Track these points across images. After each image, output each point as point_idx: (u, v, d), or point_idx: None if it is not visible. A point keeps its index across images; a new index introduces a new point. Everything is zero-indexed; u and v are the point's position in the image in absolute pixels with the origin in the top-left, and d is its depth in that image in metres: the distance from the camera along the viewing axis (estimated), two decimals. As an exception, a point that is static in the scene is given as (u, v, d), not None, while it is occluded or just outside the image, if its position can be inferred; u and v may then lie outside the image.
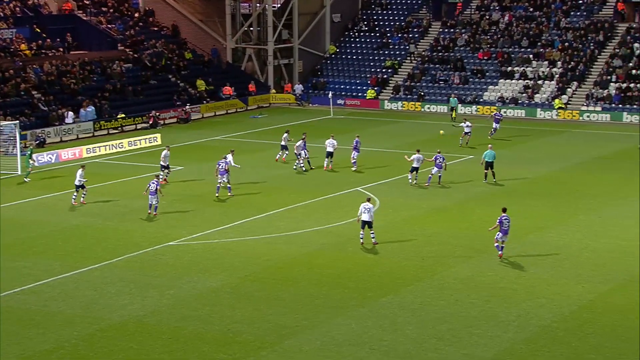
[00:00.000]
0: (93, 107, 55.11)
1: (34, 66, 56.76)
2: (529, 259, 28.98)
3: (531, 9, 68.55)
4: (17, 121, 46.47)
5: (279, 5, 70.87)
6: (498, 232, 28.69)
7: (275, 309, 24.88)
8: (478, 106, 61.51)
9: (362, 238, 30.40)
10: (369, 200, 30.76)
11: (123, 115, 56.21)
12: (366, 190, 39.03)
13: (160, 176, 39.12)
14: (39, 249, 30.78)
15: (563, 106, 59.90)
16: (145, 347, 22.53)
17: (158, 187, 34.31)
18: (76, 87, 57.00)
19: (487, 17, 69.13)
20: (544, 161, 44.77)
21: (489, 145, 40.92)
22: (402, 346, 22.42)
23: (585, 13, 66.80)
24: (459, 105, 60.01)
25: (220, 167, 37.31)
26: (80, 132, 53.30)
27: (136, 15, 68.49)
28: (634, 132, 51.62)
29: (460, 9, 70.82)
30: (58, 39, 60.58)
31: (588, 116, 58.44)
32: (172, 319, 24.20)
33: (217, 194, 37.36)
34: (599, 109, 58.96)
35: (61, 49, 60.36)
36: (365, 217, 29.99)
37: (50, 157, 45.62)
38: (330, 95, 63.52)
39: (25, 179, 41.14)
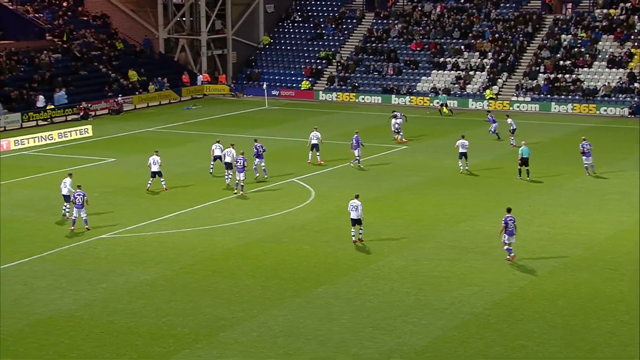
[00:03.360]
0: (64, 92, 55.51)
1: (-41, 56, 55.23)
2: (462, 248, 29.39)
3: (462, 1, 69.43)
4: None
5: (212, -5, 70.31)
6: (504, 234, 27.82)
7: (210, 301, 24.72)
8: (412, 97, 62.09)
9: (353, 236, 29.65)
10: (357, 197, 29.76)
11: (52, 107, 55.05)
12: (301, 181, 39.05)
13: (163, 182, 36.71)
14: (-34, 244, 29.97)
15: (494, 97, 60.87)
16: (77, 341, 22.15)
17: (85, 198, 31.18)
18: (2, 78, 55.57)
19: (420, 8, 69.76)
20: (476, 151, 45.43)
21: (523, 142, 39.80)
22: (338, 335, 22.51)
23: (514, 5, 67.97)
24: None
25: (238, 163, 35.91)
26: (7, 124, 52.02)
27: (64, 4, 67.08)
28: (562, 122, 52.78)
29: (393, 0, 71.34)
30: (-17, 29, 59.06)
31: (518, 106, 59.52)
32: (105, 313, 23.84)
33: (235, 191, 36.23)
34: (528, 99, 60.11)
35: (-13, 39, 58.84)
36: (353, 215, 29.30)
37: (-24, 150, 44.41)
38: (264, 86, 63.31)
39: None
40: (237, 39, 69.97)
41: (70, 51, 61.41)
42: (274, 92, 64.86)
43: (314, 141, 41.69)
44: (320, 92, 65.05)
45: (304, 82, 66.25)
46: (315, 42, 70.14)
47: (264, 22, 71.65)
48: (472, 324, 23.21)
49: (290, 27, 72.34)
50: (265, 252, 29.29)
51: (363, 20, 70.99)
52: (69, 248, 29.41)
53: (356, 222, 29.51)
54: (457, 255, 28.71)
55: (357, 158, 41.00)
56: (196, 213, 33.98)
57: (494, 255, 28.73)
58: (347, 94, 63.97)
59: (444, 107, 58.22)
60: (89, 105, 56.45)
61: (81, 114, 55.48)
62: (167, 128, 53.15)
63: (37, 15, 63.62)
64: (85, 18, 67.00)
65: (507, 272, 27.15)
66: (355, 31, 70.33)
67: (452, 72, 64.00)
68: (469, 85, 62.70)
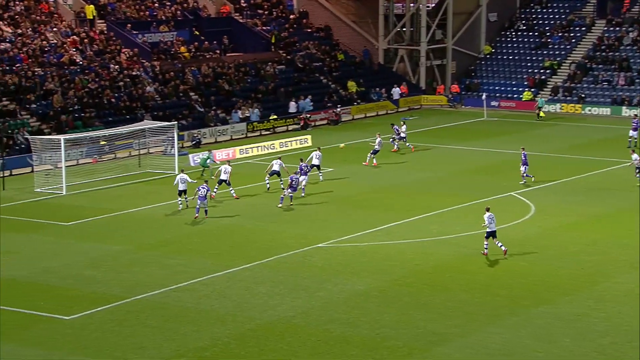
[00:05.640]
0: (309, 99, 59.02)
1: (193, 68, 58.64)
2: (700, 272, 26.98)
3: None
4: (176, 122, 47.91)
5: (433, 5, 69.95)
6: None
7: (424, 315, 24.35)
8: (643, 108, 58.37)
9: (486, 248, 28.99)
10: (488, 209, 29.08)
11: (275, 117, 57.10)
12: (520, 195, 37.72)
13: (232, 191, 37.76)
14: (192, 248, 31.54)
15: None
16: (294, 347, 22.54)
17: (208, 192, 34.33)
18: (231, 89, 58.44)
19: (657, 14, 65.53)
20: None
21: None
22: (559, 358, 21.43)
23: None
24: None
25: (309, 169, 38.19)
26: (233, 133, 54.57)
27: (291, 17, 69.47)
28: None
29: (627, 6, 67.39)
30: (215, 41, 62.35)
31: None
32: (321, 321, 24.11)
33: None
34: None
35: (218, 51, 62.08)
36: (493, 226, 28.78)
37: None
38: (483, 96, 62.01)
39: (212, 177, 42.31)
40: (457, 49, 69.14)
41: (294, 62, 63.48)
42: (493, 103, 63.34)
43: (377, 147, 43.63)
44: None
45: (525, 92, 64.19)
46: (539, 51, 67.76)
47: (486, 31, 70.28)
48: None
49: (514, 36, 70.44)
50: (481, 267, 28.48)
51: (593, 27, 67.69)
52: (288, 255, 30.13)
53: (491, 234, 28.67)
54: (694, 281, 26.36)
55: (523, 175, 39.44)
56: (411, 225, 33.72)
57: None
58: (572, 105, 61.18)
59: (540, 111, 57.10)
60: (309, 115, 57.99)
61: (301, 124, 57.10)
62: (385, 138, 53.27)
63: (264, 28, 66.42)
64: (309, 30, 69.05)
65: None
66: (583, 39, 67.21)
67: (691, 81, 59.47)
68: None
